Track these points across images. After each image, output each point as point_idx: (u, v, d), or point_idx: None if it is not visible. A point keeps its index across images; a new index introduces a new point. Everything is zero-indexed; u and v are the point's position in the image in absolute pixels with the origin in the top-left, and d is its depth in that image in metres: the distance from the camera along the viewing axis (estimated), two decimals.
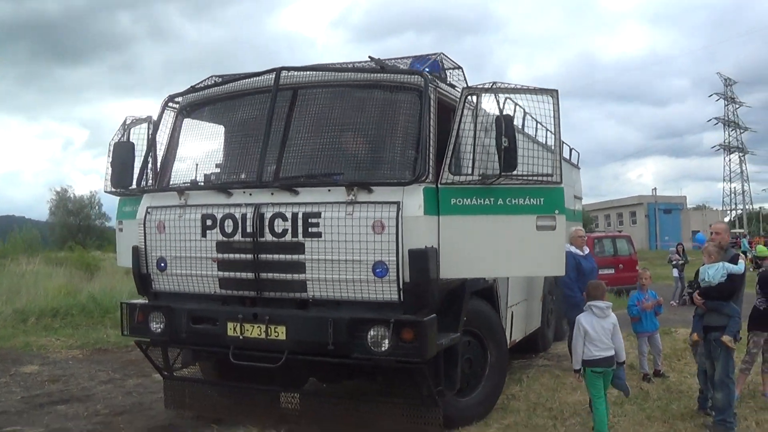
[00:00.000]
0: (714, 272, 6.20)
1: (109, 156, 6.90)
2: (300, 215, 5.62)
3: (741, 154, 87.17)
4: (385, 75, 5.88)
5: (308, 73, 6.05)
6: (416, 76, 5.74)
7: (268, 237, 5.72)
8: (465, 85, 6.37)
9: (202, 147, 6.59)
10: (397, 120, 5.82)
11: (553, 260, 5.79)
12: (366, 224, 5.43)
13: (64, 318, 14.04)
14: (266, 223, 5.73)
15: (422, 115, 5.58)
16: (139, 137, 7.02)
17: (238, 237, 5.84)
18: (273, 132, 5.87)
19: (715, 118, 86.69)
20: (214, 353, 6.29)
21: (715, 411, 6.22)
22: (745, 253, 30.00)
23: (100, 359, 10.57)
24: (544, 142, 6.96)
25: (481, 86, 5.74)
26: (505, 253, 5.74)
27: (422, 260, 5.36)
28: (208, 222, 5.97)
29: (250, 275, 5.82)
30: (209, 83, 6.73)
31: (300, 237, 5.63)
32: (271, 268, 5.76)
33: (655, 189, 78.36)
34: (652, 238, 69.71)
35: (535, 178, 5.65)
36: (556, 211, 5.70)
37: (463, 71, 6.94)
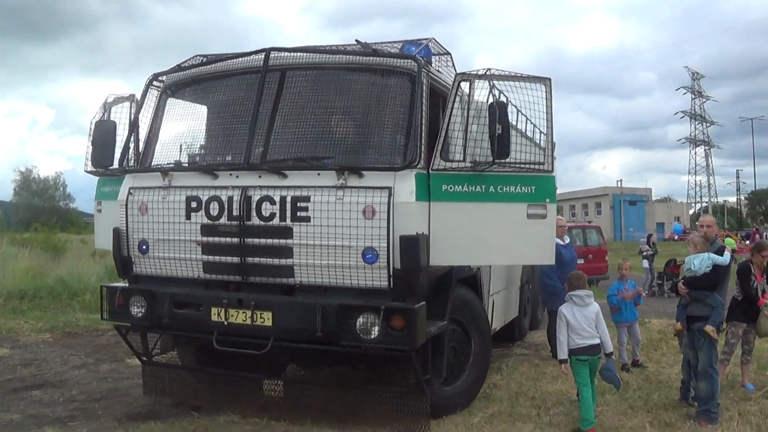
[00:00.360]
0: (699, 262, 6.26)
1: (90, 135, 6.68)
2: (288, 199, 5.51)
3: (707, 148, 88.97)
4: (378, 59, 5.77)
5: (298, 54, 5.91)
6: (409, 61, 5.65)
7: (255, 221, 5.60)
8: (454, 72, 6.29)
9: (186, 127, 6.41)
10: (389, 104, 5.73)
11: (543, 249, 5.79)
12: (356, 209, 5.35)
13: (32, 300, 13.77)
14: (253, 206, 5.60)
15: (415, 100, 5.50)
16: (120, 116, 6.80)
17: (223, 220, 5.71)
18: (261, 114, 5.73)
19: (682, 112, 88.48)
20: (196, 339, 6.15)
21: (698, 401, 6.30)
22: None
23: (71, 343, 10.34)
24: (524, 131, 6.90)
25: (474, 72, 5.67)
26: (495, 240, 5.71)
27: (413, 247, 5.30)
28: (193, 204, 5.82)
29: (236, 259, 5.69)
30: (194, 63, 6.56)
31: (288, 221, 5.52)
32: (257, 253, 5.64)
33: (621, 180, 79.57)
34: (617, 229, 70.86)
35: (526, 166, 5.62)
36: (547, 200, 5.68)
37: (451, 57, 6.87)
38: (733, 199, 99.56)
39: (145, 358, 6.60)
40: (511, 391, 7.40)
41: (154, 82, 6.50)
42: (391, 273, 5.33)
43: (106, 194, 7.05)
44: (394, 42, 6.41)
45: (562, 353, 6.20)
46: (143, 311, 6.00)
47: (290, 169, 5.60)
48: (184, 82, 6.43)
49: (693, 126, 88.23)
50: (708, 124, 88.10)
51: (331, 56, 5.93)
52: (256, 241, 5.62)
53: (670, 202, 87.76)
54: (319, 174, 5.52)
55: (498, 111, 5.38)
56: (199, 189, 5.80)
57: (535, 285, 10.77)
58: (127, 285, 6.20)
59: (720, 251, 6.33)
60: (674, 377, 8.06)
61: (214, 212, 5.73)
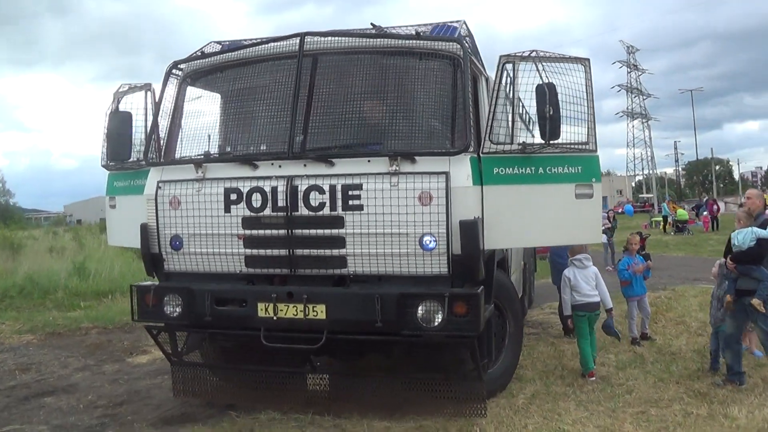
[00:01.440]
0: (743, 237, 6.38)
1: (104, 127, 6.30)
2: (339, 187, 5.33)
3: (644, 120, 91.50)
4: (421, 42, 5.59)
5: (335, 39, 5.65)
6: (454, 44, 5.52)
7: (303, 211, 5.40)
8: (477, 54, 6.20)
9: (212, 117, 6.14)
10: (436, 88, 5.59)
11: (591, 228, 5.79)
12: (413, 195, 5.22)
13: (3, 300, 13.12)
14: (300, 196, 5.39)
15: (463, 83, 5.39)
16: (133, 107, 6.42)
17: (267, 212, 5.48)
18: (299, 101, 5.51)
19: (618, 85, 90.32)
20: (239, 337, 5.91)
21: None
22: (666, 217, 31.45)
23: (59, 344, 9.89)
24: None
25: (519, 54, 5.58)
26: (545, 222, 5.67)
27: (473, 231, 5.21)
28: (233, 196, 5.56)
29: (283, 252, 5.48)
30: (213, 50, 6.27)
31: (339, 210, 5.34)
32: (306, 244, 5.45)
33: None
34: None
35: (572, 146, 5.59)
36: (593, 180, 5.67)
37: (474, 40, 6.77)
38: (671, 171, 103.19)
39: (175, 359, 6.32)
40: (538, 370, 7.46)
41: (174, 71, 6.15)
42: (450, 259, 5.24)
43: (122, 189, 6.67)
44: (419, 25, 6.25)
45: (567, 310, 7.40)
46: (179, 310, 5.72)
47: (338, 157, 5.42)
48: (207, 69, 6.12)
49: (630, 99, 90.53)
50: (645, 97, 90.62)
51: (370, 40, 5.70)
52: (305, 232, 5.42)
53: (611, 175, 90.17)
54: (369, 161, 5.36)
55: (548, 92, 5.32)
56: (239, 180, 5.54)
57: (530, 265, 10.94)
58: (159, 283, 5.90)
59: (764, 225, 6.45)
60: (684, 348, 8.31)
61: (257, 204, 5.50)
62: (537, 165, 5.57)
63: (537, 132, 5.59)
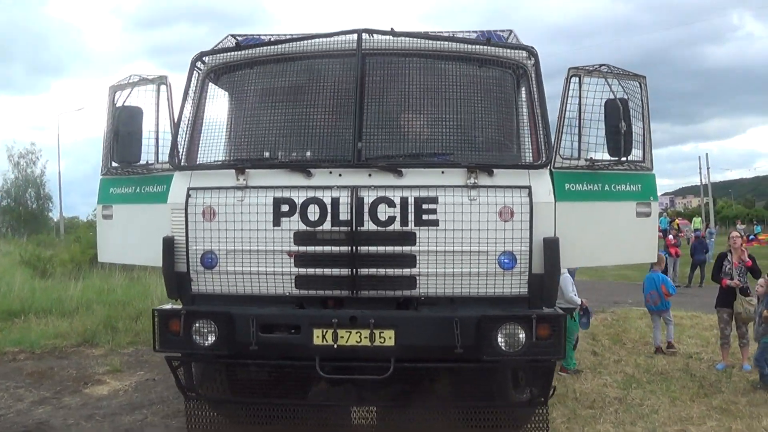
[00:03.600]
0: None
1: (112, 123, 5.41)
2: (411, 200, 4.85)
3: None
4: (491, 48, 5.24)
5: (396, 39, 5.17)
6: (525, 52, 5.23)
7: (370, 226, 4.86)
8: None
9: (244, 117, 5.40)
10: (509, 98, 5.30)
11: (649, 247, 5.68)
12: (493, 210, 4.84)
13: None
14: (366, 209, 4.85)
15: (540, 92, 5.11)
16: (141, 103, 5.57)
17: (326, 226, 4.88)
18: (359, 104, 4.98)
19: None
20: (285, 368, 5.22)
21: None
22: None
23: None
24: None
25: (584, 68, 5.39)
26: (608, 240, 5.48)
27: (555, 249, 4.91)
28: (284, 208, 4.91)
29: (344, 271, 4.90)
30: (227, 44, 5.62)
31: (411, 225, 4.86)
32: (371, 263, 4.89)
33: None
34: None
35: (633, 164, 5.47)
36: (651, 198, 5.57)
37: None
38: None
39: (192, 394, 5.51)
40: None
41: (198, 64, 5.40)
42: (529, 279, 4.92)
43: (121, 197, 5.76)
44: (471, 31, 5.93)
45: None
46: (213, 338, 4.97)
47: (409, 167, 4.94)
48: (238, 63, 5.42)
49: None
50: None
51: (435, 43, 5.28)
52: (371, 249, 4.88)
53: None
54: (443, 172, 4.93)
55: (621, 108, 5.17)
56: (291, 190, 4.91)
57: None
58: (190, 307, 5.10)
59: None
60: (668, 368, 8.51)
61: (314, 217, 4.89)
62: (603, 182, 5.38)
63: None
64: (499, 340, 4.82)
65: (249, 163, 5.06)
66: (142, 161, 5.54)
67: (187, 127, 5.34)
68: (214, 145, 5.38)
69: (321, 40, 5.27)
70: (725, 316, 8.40)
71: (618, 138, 5.17)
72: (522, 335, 4.82)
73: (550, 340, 4.84)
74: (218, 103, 5.52)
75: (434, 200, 4.84)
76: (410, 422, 5.44)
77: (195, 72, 5.37)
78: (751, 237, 32.82)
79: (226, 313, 4.94)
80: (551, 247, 4.89)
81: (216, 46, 5.63)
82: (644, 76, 5.60)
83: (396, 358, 4.85)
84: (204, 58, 5.42)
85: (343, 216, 4.85)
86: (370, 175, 4.92)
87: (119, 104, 5.47)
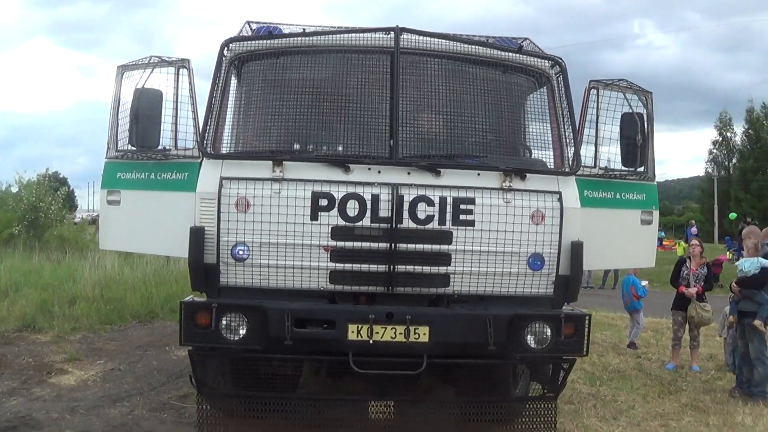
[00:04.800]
0: (749, 265, 7.21)
1: (135, 104, 5.17)
2: (449, 200, 4.95)
3: None
4: (521, 56, 5.42)
5: (431, 39, 5.26)
6: (553, 62, 5.46)
7: (409, 224, 4.92)
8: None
9: (275, 107, 5.29)
10: (540, 104, 5.50)
11: (649, 253, 6.07)
12: (527, 213, 5.04)
13: None
14: (406, 207, 4.91)
15: (568, 100, 5.35)
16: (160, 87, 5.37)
17: (365, 222, 4.90)
18: (394, 102, 5.03)
19: None
20: (323, 362, 5.19)
21: (755, 384, 7.19)
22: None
23: None
24: None
25: (603, 81, 5.70)
26: (615, 246, 5.83)
27: (580, 253, 5.16)
28: (323, 202, 4.89)
29: (381, 268, 4.93)
30: (246, 32, 5.55)
31: (448, 225, 4.96)
32: (407, 260, 4.95)
33: None
34: None
35: (638, 175, 5.82)
36: (653, 207, 5.97)
37: None
38: None
39: (207, 389, 5.35)
40: None
41: (225, 51, 5.24)
42: (555, 280, 5.15)
43: (132, 183, 5.51)
44: (488, 37, 6.10)
45: None
46: (244, 332, 4.87)
47: (448, 167, 5.04)
48: (269, 53, 5.30)
49: None
50: None
51: (468, 47, 5.39)
52: (408, 246, 4.94)
53: None
54: (479, 174, 5.07)
55: (639, 121, 5.51)
56: (330, 184, 4.89)
57: None
58: (221, 299, 4.95)
59: (767, 255, 7.31)
60: (622, 366, 9.03)
61: (353, 212, 4.89)
62: (614, 190, 5.73)
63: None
64: (528, 337, 5.02)
65: (288, 155, 5.00)
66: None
67: (213, 114, 5.18)
68: (242, 134, 5.28)
69: (357, 35, 5.29)
70: (679, 319, 9.00)
71: (633, 149, 5.51)
72: (548, 333, 5.04)
73: (573, 338, 5.09)
74: (246, 91, 5.39)
75: (472, 201, 4.97)
76: (426, 416, 5.55)
77: (223, 59, 5.23)
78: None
79: (260, 307, 4.85)
80: (577, 250, 5.14)
81: (239, 33, 5.51)
82: (650, 92, 5.97)
83: (429, 354, 4.94)
84: (231, 45, 5.28)
85: (383, 213, 4.88)
86: (409, 173, 4.98)
87: (140, 86, 5.25)
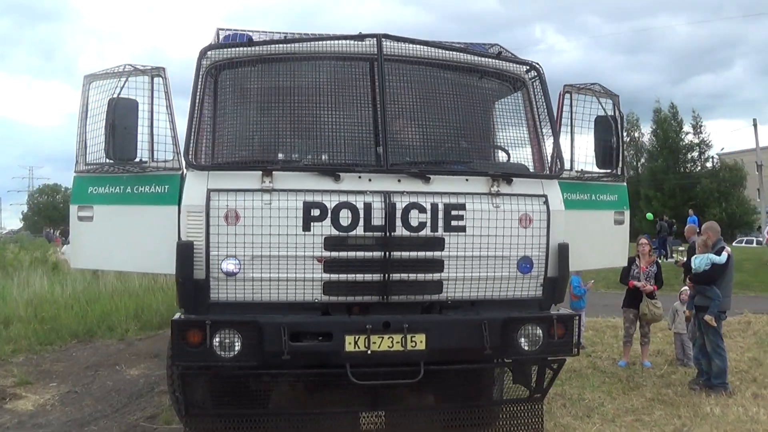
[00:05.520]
0: (699, 261, 7.49)
1: (110, 115, 4.92)
2: (440, 206, 4.96)
3: None
4: (499, 62, 5.51)
5: (410, 45, 5.26)
6: (529, 68, 5.57)
7: (402, 231, 4.89)
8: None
9: (257, 116, 5.15)
10: (518, 110, 5.58)
11: (621, 252, 6.27)
12: (514, 217, 5.11)
13: None
14: (398, 214, 4.89)
15: (547, 104, 5.46)
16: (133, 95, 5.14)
17: (359, 231, 4.84)
18: (381, 109, 5.01)
19: None
20: (313, 376, 5.06)
21: (714, 376, 7.48)
22: None
23: None
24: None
25: (577, 85, 5.86)
26: (592, 246, 5.97)
27: (566, 254, 5.28)
28: (314, 212, 4.79)
29: (376, 277, 4.88)
30: (222, 39, 5.42)
31: (440, 231, 4.97)
32: (401, 268, 4.92)
33: None
34: None
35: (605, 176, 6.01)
36: (625, 207, 6.19)
37: None
38: None
39: (194, 411, 5.14)
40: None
41: (203, 60, 5.07)
42: (543, 282, 5.24)
43: (105, 198, 5.23)
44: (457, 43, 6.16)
45: None
46: (239, 348, 4.71)
47: (437, 173, 5.04)
48: (249, 59, 5.17)
49: None
50: None
51: (448, 53, 5.42)
52: (402, 254, 4.91)
53: None
54: (467, 180, 5.10)
55: (614, 124, 5.70)
56: (322, 194, 4.81)
57: None
58: (213, 317, 4.74)
59: (719, 251, 7.61)
60: (575, 365, 9.09)
61: (346, 222, 4.82)
62: (590, 192, 5.90)
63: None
64: (521, 340, 5.10)
65: (278, 165, 4.88)
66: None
67: (194, 124, 5.00)
68: (227, 145, 5.11)
69: (339, 42, 5.23)
70: (631, 316, 9.29)
71: (608, 152, 5.69)
72: (540, 334, 5.13)
73: (564, 339, 5.20)
74: (228, 101, 5.22)
75: (462, 207, 4.99)
76: (417, 425, 5.54)
77: (201, 67, 5.06)
78: None
79: (255, 322, 4.71)
80: (563, 252, 5.26)
81: (212, 41, 5.36)
82: (617, 95, 6.19)
83: (426, 361, 4.93)
84: (209, 53, 5.12)
85: (377, 221, 4.84)
86: (399, 180, 4.96)
87: (115, 95, 5.00)
